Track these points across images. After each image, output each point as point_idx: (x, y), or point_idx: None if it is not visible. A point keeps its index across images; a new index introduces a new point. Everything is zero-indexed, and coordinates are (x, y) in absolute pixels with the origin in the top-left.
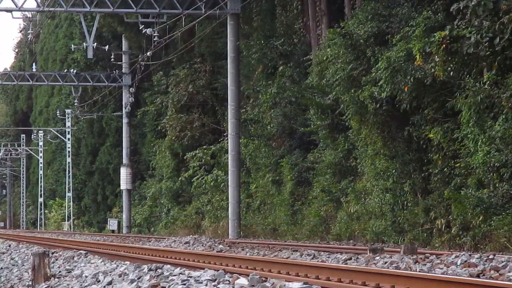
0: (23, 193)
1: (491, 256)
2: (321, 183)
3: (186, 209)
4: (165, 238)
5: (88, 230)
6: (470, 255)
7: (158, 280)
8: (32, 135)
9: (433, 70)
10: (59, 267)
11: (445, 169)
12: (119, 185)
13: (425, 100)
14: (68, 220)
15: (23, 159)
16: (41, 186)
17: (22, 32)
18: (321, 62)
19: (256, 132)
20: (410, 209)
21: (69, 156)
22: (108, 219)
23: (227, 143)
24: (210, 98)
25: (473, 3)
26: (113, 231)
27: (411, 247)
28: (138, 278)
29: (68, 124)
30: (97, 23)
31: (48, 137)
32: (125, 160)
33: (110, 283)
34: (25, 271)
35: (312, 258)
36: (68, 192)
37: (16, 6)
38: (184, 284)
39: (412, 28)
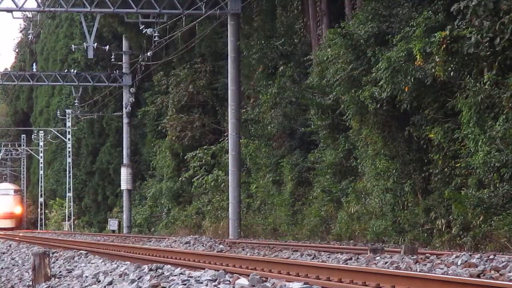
0: (23, 193)
1: (491, 256)
2: (322, 183)
3: (187, 209)
4: (165, 238)
5: (89, 230)
6: (470, 255)
7: (159, 280)
8: (33, 135)
9: (433, 70)
10: (59, 267)
11: (446, 169)
12: (120, 185)
13: (425, 100)
14: (68, 220)
15: (24, 159)
16: (41, 186)
17: (23, 32)
18: (321, 62)
19: (257, 132)
20: (411, 209)
21: (69, 156)
22: (109, 219)
23: (228, 143)
24: (210, 98)
25: (473, 3)
26: (113, 231)
27: (412, 247)
28: (139, 278)
29: (68, 124)
30: (97, 23)
31: (49, 137)
32: (125, 160)
33: (110, 283)
34: (26, 271)
35: (313, 258)
36: (68, 192)
37: (17, 6)
38: (185, 284)
39: (412, 28)
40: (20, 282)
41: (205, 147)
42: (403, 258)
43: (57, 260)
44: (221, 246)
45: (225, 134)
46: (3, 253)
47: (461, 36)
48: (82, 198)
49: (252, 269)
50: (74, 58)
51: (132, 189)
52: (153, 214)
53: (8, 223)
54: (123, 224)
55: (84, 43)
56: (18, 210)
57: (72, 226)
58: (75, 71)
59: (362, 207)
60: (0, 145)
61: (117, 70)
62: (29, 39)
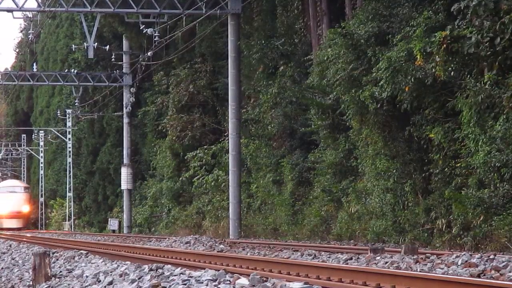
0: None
1: (491, 256)
2: (322, 183)
3: (187, 209)
4: (165, 238)
5: (89, 230)
6: (470, 255)
7: (159, 280)
8: (33, 135)
9: (433, 70)
10: (59, 267)
11: (446, 169)
12: (120, 185)
13: (425, 100)
14: (68, 220)
15: (24, 159)
16: (41, 186)
17: (23, 32)
18: (321, 62)
19: (257, 132)
20: (411, 209)
21: (69, 156)
22: (109, 219)
23: (228, 143)
24: (210, 98)
25: (473, 3)
26: (113, 231)
27: (412, 247)
28: (139, 278)
29: (68, 124)
30: (97, 23)
31: (49, 137)
32: (125, 160)
33: (111, 283)
34: (26, 271)
35: (313, 258)
36: (68, 192)
37: (17, 6)
38: (185, 284)
39: (412, 28)
40: (20, 282)
41: (205, 147)
42: (403, 258)
43: (57, 260)
44: (221, 246)
45: (225, 134)
46: (4, 253)
47: (462, 36)
48: (82, 198)
49: (252, 269)
50: (74, 58)
51: (132, 189)
52: (154, 214)
53: (15, 223)
54: (124, 224)
55: (85, 43)
56: (26, 209)
57: (73, 226)
58: (76, 71)
59: (362, 207)
60: (1, 145)
61: (117, 70)
62: (29, 39)
